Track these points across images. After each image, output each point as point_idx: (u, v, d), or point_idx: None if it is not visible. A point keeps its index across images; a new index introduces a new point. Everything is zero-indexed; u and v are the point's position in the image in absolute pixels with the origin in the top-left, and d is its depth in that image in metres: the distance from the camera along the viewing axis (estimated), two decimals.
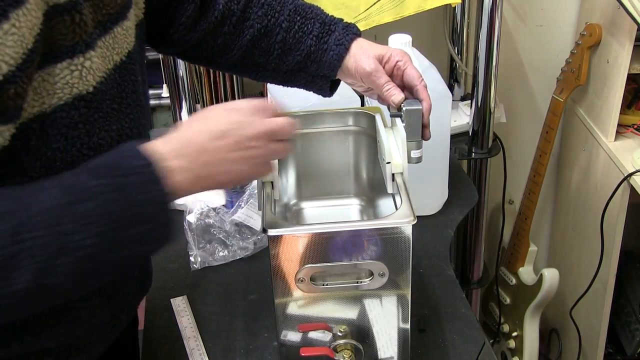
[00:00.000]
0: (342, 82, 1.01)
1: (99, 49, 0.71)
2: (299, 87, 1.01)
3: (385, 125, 0.96)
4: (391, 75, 0.93)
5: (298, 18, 0.95)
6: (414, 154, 0.90)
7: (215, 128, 0.71)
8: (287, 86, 1.02)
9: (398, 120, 0.93)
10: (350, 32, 0.95)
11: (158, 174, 0.66)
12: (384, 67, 0.92)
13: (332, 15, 0.98)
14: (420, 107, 0.90)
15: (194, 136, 0.70)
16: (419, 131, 0.90)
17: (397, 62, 0.92)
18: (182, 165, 0.68)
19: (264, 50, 0.96)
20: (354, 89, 1.01)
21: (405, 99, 0.91)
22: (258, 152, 0.73)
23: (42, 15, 0.62)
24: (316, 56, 0.95)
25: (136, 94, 0.78)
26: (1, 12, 0.58)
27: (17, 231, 0.59)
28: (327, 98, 1.02)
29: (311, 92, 1.02)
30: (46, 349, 0.77)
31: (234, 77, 1.60)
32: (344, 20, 0.97)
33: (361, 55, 0.93)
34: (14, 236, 0.59)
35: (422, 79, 0.91)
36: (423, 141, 0.92)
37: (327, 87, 0.98)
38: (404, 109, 0.90)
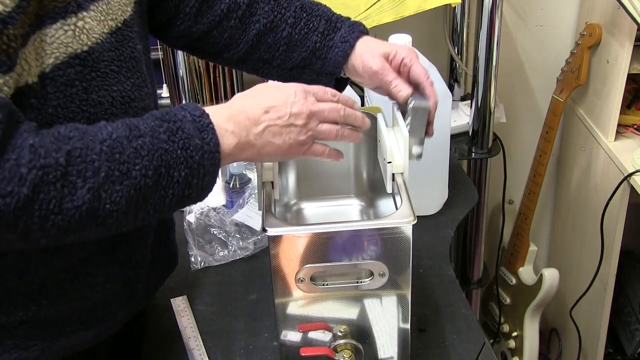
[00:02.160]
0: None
1: (92, 12, 0.75)
2: (304, 83, 1.01)
3: (386, 125, 0.96)
4: (398, 72, 0.93)
5: (304, 15, 0.96)
6: (415, 150, 0.90)
7: (265, 102, 0.78)
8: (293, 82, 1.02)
9: (400, 118, 0.93)
10: (357, 29, 0.95)
11: (212, 127, 0.73)
12: (390, 64, 0.93)
13: (338, 14, 0.98)
14: (428, 105, 0.90)
15: (245, 107, 0.77)
16: (424, 128, 0.90)
17: (403, 59, 0.92)
18: (232, 130, 0.75)
19: (269, 46, 0.96)
20: (361, 84, 1.00)
21: (412, 94, 0.91)
22: (300, 130, 0.79)
23: None
24: (321, 53, 0.95)
25: (136, 61, 0.82)
26: None
27: (83, 152, 0.65)
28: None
29: None
30: (66, 318, 0.80)
31: (234, 77, 1.60)
32: (351, 19, 0.97)
33: (367, 54, 0.93)
34: (80, 156, 0.65)
35: (429, 77, 0.92)
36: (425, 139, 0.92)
37: (332, 84, 0.98)
38: (410, 105, 0.90)
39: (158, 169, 0.69)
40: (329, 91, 0.83)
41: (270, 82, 0.84)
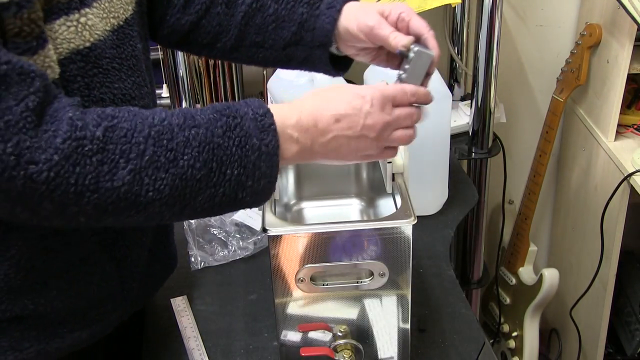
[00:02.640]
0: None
1: (94, 8, 0.75)
2: (301, 67, 1.00)
3: None
4: (395, 28, 0.89)
5: None
6: None
7: (337, 108, 0.74)
8: (290, 67, 1.00)
9: None
10: None
11: (274, 129, 0.70)
12: (386, 20, 0.89)
13: None
14: (432, 53, 0.85)
15: (316, 112, 0.74)
16: (421, 77, 0.85)
17: (401, 13, 0.88)
18: (296, 137, 0.73)
19: (258, 27, 0.96)
20: (355, 56, 0.96)
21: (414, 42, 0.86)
22: (372, 142, 0.76)
23: None
24: (309, 24, 0.93)
25: (136, 60, 0.82)
26: None
27: (129, 133, 0.65)
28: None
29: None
30: (62, 317, 0.80)
31: (234, 77, 1.59)
32: None
33: (361, 12, 0.90)
34: (125, 136, 0.64)
35: (430, 28, 0.88)
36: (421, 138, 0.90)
37: (327, 58, 0.95)
38: (414, 49, 0.84)
39: (208, 163, 0.67)
40: (408, 91, 0.79)
41: (348, 84, 0.80)
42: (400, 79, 0.84)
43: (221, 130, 0.68)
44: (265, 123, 0.70)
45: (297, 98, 1.19)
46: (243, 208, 0.74)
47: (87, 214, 0.65)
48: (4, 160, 0.60)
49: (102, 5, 0.77)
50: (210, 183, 0.68)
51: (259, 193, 0.72)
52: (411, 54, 0.84)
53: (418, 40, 0.87)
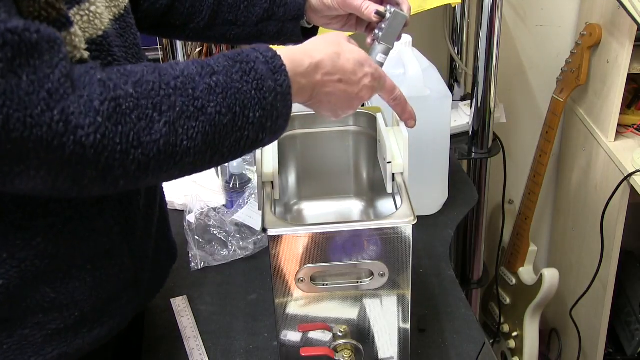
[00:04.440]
0: None
1: None
2: (272, 41, 1.02)
3: (386, 125, 0.96)
4: None
5: None
6: (380, 58, 0.92)
7: (334, 50, 0.77)
8: (262, 41, 1.03)
9: (401, 121, 0.93)
10: None
11: (285, 69, 0.72)
12: None
13: None
14: (407, 15, 0.94)
15: (315, 53, 0.76)
16: (395, 36, 0.93)
17: None
18: (299, 79, 0.74)
19: (230, 5, 0.98)
20: (327, 26, 1.02)
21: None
22: (361, 89, 0.79)
23: None
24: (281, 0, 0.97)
25: (138, 47, 0.83)
26: None
27: (156, 86, 0.65)
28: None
29: None
30: (82, 315, 0.80)
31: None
32: None
33: None
34: (154, 89, 0.65)
35: None
36: (413, 131, 0.92)
37: (299, 31, 0.99)
38: (390, 10, 0.93)
39: (232, 108, 0.68)
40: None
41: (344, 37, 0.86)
42: (376, 37, 0.92)
43: (238, 76, 0.69)
44: (277, 64, 0.71)
45: None
46: (261, 147, 0.77)
47: (129, 175, 0.65)
48: (53, 129, 0.59)
49: None
50: (235, 127, 0.69)
51: (276, 132, 0.74)
52: (388, 14, 0.93)
53: (390, 1, 0.96)
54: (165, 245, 0.98)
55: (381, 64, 0.93)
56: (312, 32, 1.02)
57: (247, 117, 0.70)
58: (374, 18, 0.93)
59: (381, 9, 0.93)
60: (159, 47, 1.53)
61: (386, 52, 0.93)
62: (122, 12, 0.81)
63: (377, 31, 0.93)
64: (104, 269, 0.81)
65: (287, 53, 0.73)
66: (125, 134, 0.63)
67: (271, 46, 0.73)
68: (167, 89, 0.66)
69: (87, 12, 0.73)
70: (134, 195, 0.84)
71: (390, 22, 0.93)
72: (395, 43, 0.94)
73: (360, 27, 0.99)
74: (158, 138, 0.65)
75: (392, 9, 0.93)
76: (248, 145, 0.72)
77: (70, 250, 0.77)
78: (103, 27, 0.75)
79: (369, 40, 0.95)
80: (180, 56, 1.53)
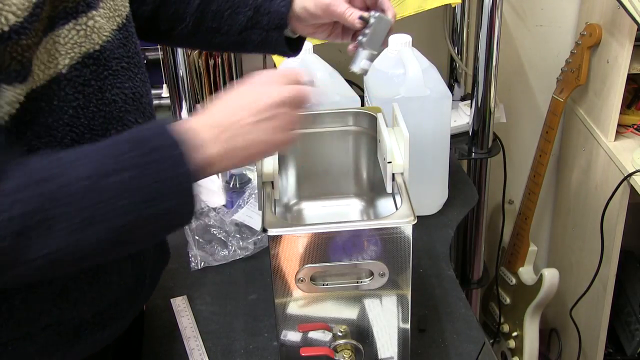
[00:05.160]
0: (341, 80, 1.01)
1: (100, 9, 0.75)
2: (257, 50, 1.01)
3: (386, 125, 0.96)
4: (350, 3, 0.93)
5: None
6: (365, 64, 0.91)
7: (238, 102, 0.74)
8: (246, 51, 1.02)
9: (401, 119, 0.93)
10: None
11: (186, 153, 0.68)
12: None
13: None
14: (391, 20, 0.92)
15: (220, 111, 0.73)
16: (380, 42, 0.91)
17: None
18: (211, 138, 0.70)
19: (214, 13, 0.97)
20: (313, 35, 0.99)
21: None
22: (278, 120, 0.75)
23: None
24: (265, 8, 0.95)
25: (138, 56, 0.82)
26: None
27: (53, 197, 0.63)
28: (325, 98, 1.02)
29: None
30: (85, 320, 0.81)
31: (234, 77, 1.59)
32: None
33: None
34: (50, 202, 0.62)
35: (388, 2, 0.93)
36: (413, 131, 0.91)
37: (283, 40, 0.97)
38: (374, 15, 0.91)
39: (134, 207, 0.66)
40: (290, 72, 0.79)
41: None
42: (360, 43, 0.91)
43: (140, 173, 0.66)
44: (178, 156, 0.68)
45: None
46: (174, 230, 0.74)
47: (29, 277, 0.66)
48: None
49: (108, 5, 0.77)
50: (138, 225, 0.68)
51: (186, 216, 0.71)
52: (372, 20, 0.91)
53: (374, 6, 0.93)
54: (159, 245, 0.98)
55: (365, 71, 0.91)
56: (298, 42, 1.00)
57: (148, 213, 0.67)
58: (358, 24, 0.91)
59: (365, 14, 0.91)
60: (158, 47, 1.53)
61: (371, 58, 0.91)
62: (124, 21, 0.81)
63: (360, 37, 0.91)
64: (100, 276, 0.80)
65: (188, 133, 0.69)
66: (25, 247, 0.62)
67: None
68: (67, 199, 0.63)
69: (84, 26, 0.73)
70: None
71: (374, 27, 0.91)
72: (397, 43, 0.92)
73: (346, 36, 0.97)
74: (53, 250, 0.63)
75: (377, 14, 0.91)
76: (160, 231, 0.71)
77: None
78: (100, 42, 0.75)
79: (350, 47, 0.94)
80: (180, 57, 1.52)
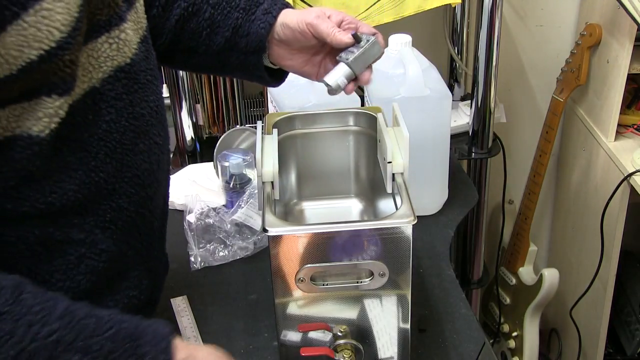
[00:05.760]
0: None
1: (129, 22, 0.75)
2: (236, 74, 0.99)
3: (386, 125, 0.96)
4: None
5: None
6: (341, 80, 0.87)
7: None
8: (224, 74, 1.01)
9: (401, 119, 0.93)
10: (279, 2, 0.93)
11: None
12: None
13: None
14: (383, 50, 0.88)
15: None
16: (365, 66, 0.87)
17: (344, 17, 0.90)
18: None
19: (192, 32, 0.94)
20: (290, 68, 0.96)
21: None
22: None
23: None
24: (244, 30, 0.92)
25: (157, 69, 0.82)
26: None
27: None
28: (324, 98, 1.00)
29: (310, 92, 1.01)
30: None
31: (234, 78, 1.59)
32: None
33: (303, 11, 0.91)
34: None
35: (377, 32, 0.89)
36: (413, 131, 0.89)
37: (261, 65, 0.94)
38: (369, 38, 0.87)
39: None
40: None
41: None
42: (346, 62, 0.86)
43: None
44: None
45: (297, 98, 1.20)
46: None
47: None
48: None
49: (133, 17, 0.76)
50: None
51: None
52: (364, 41, 0.86)
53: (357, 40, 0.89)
54: (164, 256, 0.98)
55: (338, 88, 0.88)
56: (281, 72, 0.97)
57: None
58: (348, 39, 0.86)
59: (349, 35, 0.87)
60: None
61: (348, 78, 0.87)
62: (145, 33, 0.80)
63: (343, 54, 0.87)
64: (122, 291, 0.80)
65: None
66: None
67: None
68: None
69: (116, 39, 0.72)
70: (149, 221, 0.83)
71: (366, 49, 0.86)
72: (397, 43, 0.90)
73: (322, 69, 0.93)
74: None
75: (371, 38, 0.87)
76: None
77: (87, 273, 0.76)
78: (130, 54, 0.74)
79: (332, 64, 0.90)
80: None
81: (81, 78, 0.68)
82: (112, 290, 0.79)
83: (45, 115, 0.65)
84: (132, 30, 0.75)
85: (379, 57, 0.88)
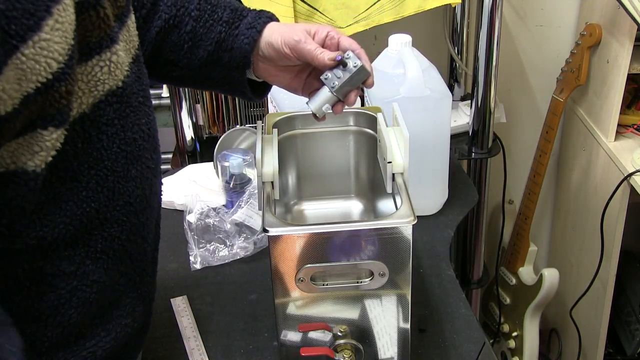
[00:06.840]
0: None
1: (121, 42, 0.72)
2: (219, 88, 0.97)
3: (386, 125, 0.96)
4: (323, 46, 0.88)
5: (208, 6, 0.92)
6: (326, 108, 0.87)
7: None
8: (207, 88, 0.97)
9: (401, 118, 0.93)
10: (264, 16, 0.91)
11: None
12: (313, 39, 0.88)
13: (244, 5, 0.94)
14: (370, 73, 0.86)
15: None
16: (351, 90, 0.87)
17: (329, 32, 0.88)
18: None
19: (174, 44, 0.92)
20: (275, 81, 0.95)
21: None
22: None
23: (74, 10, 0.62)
24: (227, 44, 0.90)
25: (148, 86, 0.79)
26: (45, 8, 0.58)
27: None
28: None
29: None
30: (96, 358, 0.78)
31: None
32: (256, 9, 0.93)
33: (286, 28, 0.89)
34: None
35: (360, 47, 0.87)
36: (413, 131, 0.90)
37: (245, 81, 0.93)
38: (356, 62, 0.85)
39: None
40: None
41: None
42: (331, 89, 0.86)
43: None
44: None
45: (297, 98, 1.20)
46: None
47: None
48: None
49: (125, 37, 0.73)
50: None
51: None
52: (351, 65, 0.85)
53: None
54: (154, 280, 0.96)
55: (322, 115, 0.88)
56: (264, 86, 0.96)
57: None
58: (330, 62, 0.85)
59: (345, 56, 0.85)
60: None
61: (333, 103, 0.87)
62: (137, 51, 0.77)
63: (330, 75, 0.86)
64: (114, 319, 0.78)
65: None
66: None
67: None
68: None
69: (107, 62, 0.68)
70: (142, 247, 0.80)
71: (352, 75, 0.85)
72: (397, 44, 0.89)
73: (307, 87, 0.93)
74: None
75: (358, 63, 0.85)
76: None
77: (80, 308, 0.74)
78: (122, 77, 0.71)
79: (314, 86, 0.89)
80: None
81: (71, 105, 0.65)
82: (103, 320, 0.76)
83: (42, 149, 0.62)
84: (123, 51, 0.72)
85: (366, 80, 0.87)
